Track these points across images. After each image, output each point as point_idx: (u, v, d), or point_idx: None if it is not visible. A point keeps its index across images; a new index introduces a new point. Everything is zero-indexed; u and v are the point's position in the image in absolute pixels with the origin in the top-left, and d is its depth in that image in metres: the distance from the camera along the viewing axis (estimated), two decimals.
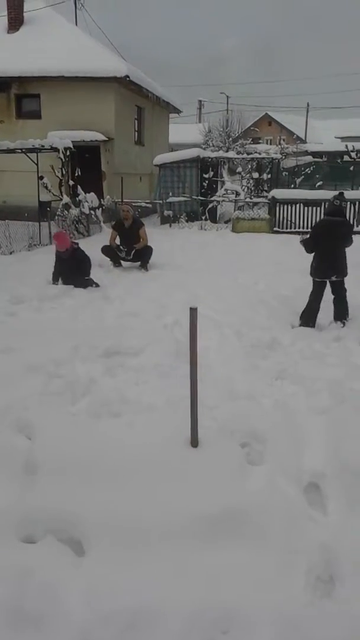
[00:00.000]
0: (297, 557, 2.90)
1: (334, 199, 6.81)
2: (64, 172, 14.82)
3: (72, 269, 8.45)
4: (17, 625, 2.57)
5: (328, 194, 15.67)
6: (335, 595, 2.75)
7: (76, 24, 22.33)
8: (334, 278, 6.54)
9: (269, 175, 18.24)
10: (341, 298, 6.60)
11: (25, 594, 2.67)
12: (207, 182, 17.62)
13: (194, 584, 2.75)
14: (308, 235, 6.94)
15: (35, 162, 13.90)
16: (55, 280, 8.60)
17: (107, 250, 10.18)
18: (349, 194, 16.09)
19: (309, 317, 6.52)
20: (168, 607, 2.63)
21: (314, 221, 15.46)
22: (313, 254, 6.66)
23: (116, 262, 10.18)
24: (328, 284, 6.63)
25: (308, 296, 6.62)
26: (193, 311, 3.42)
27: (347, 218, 7.78)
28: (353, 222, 15.40)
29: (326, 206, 7.89)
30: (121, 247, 10.13)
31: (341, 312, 6.57)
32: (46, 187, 13.95)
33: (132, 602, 2.65)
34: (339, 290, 6.60)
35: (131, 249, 10.08)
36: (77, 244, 8.79)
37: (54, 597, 2.68)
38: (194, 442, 3.57)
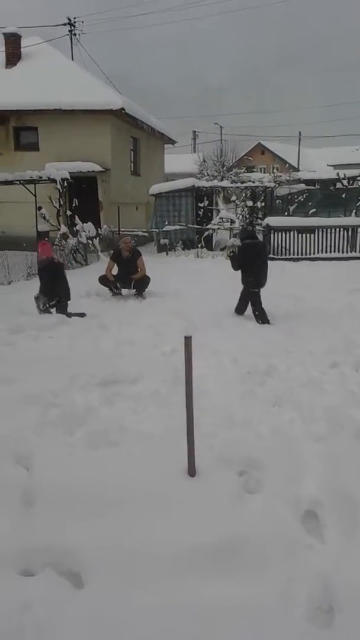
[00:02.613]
0: (296, 586, 2.88)
1: (247, 225, 8.91)
2: (61, 203, 15.03)
3: (56, 280, 8.66)
4: None
5: (322, 221, 16.01)
6: (336, 625, 2.72)
7: (72, 59, 22.89)
8: (262, 287, 8.36)
9: (263, 203, 18.49)
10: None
11: (24, 628, 2.65)
12: (202, 210, 17.86)
13: (192, 616, 2.72)
14: (235, 251, 8.85)
15: (33, 193, 14.10)
16: (44, 295, 8.68)
17: (104, 280, 10.26)
18: (343, 220, 16.35)
19: (263, 314, 8.17)
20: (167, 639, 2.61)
21: (308, 248, 15.66)
22: (245, 272, 8.32)
23: (113, 291, 10.25)
24: None
25: (253, 307, 8.27)
26: (188, 340, 3.45)
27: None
28: (347, 248, 15.65)
29: (241, 231, 10.19)
30: (118, 285, 10.21)
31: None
32: (44, 218, 14.12)
33: (132, 635, 2.63)
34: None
35: (129, 280, 10.16)
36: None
37: (52, 631, 2.66)
38: (192, 472, 3.57)
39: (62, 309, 8.56)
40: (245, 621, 2.69)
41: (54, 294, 8.64)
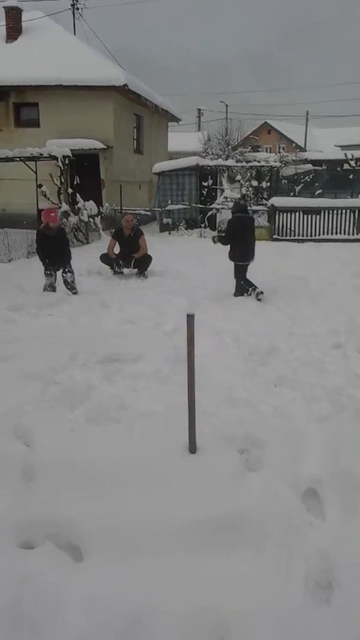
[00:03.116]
0: (296, 562, 2.89)
1: (239, 200, 9.10)
2: (62, 180, 14.88)
3: (58, 249, 8.47)
4: (15, 631, 2.56)
5: (328, 202, 15.87)
6: (334, 600, 2.73)
7: (74, 33, 22.51)
8: (251, 262, 8.51)
9: (268, 184, 18.32)
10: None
11: (24, 599, 2.67)
12: (206, 190, 17.69)
13: (192, 590, 2.74)
14: (222, 234, 9.11)
15: (34, 170, 13.96)
16: (44, 261, 8.60)
17: (106, 259, 10.21)
18: (350, 201, 16.20)
19: (250, 285, 8.32)
20: (166, 613, 2.62)
21: (314, 229, 15.54)
22: (233, 245, 8.43)
23: (115, 270, 10.20)
24: None
25: (237, 278, 8.45)
26: (190, 318, 3.42)
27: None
28: (353, 230, 15.52)
29: (234, 204, 9.87)
30: (120, 262, 10.14)
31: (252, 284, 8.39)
32: (45, 195, 14.00)
33: (130, 608, 2.64)
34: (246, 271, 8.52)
35: (131, 258, 10.10)
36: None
37: (52, 602, 2.68)
38: (192, 449, 3.56)
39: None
40: (245, 596, 2.70)
41: (62, 261, 8.58)
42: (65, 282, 8.58)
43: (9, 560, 2.89)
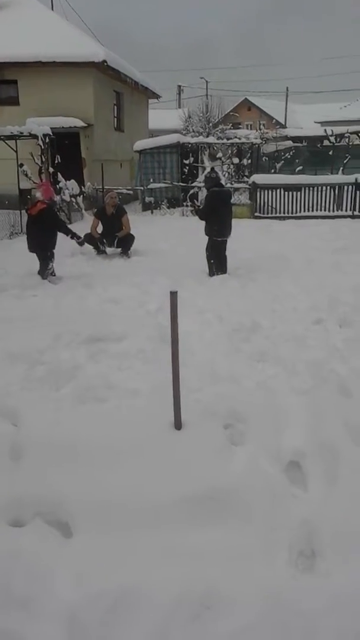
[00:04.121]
0: (280, 533, 2.98)
1: (210, 173, 8.95)
2: (43, 160, 14.68)
3: (43, 229, 8.19)
4: (5, 606, 2.61)
5: (308, 179, 15.87)
6: (317, 568, 2.83)
7: (52, 9, 22.00)
8: (228, 237, 8.36)
9: (250, 161, 18.24)
10: (225, 253, 8.41)
11: (14, 575, 2.72)
12: (187, 168, 17.58)
13: (179, 562, 2.81)
14: (199, 206, 9.18)
15: (15, 149, 13.75)
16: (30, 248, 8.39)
17: (89, 238, 10.14)
18: (330, 178, 16.22)
19: (223, 266, 8.32)
20: (154, 585, 2.69)
21: (294, 206, 15.55)
22: (211, 220, 8.24)
23: (99, 250, 10.16)
24: None
25: (209, 254, 8.37)
26: (173, 295, 3.46)
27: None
28: (334, 206, 15.55)
29: (205, 180, 9.13)
30: (104, 241, 10.09)
31: (225, 265, 8.37)
32: (26, 175, 13.83)
33: (119, 582, 2.70)
34: (225, 247, 8.41)
35: (113, 238, 10.05)
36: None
37: (42, 578, 2.73)
38: (178, 425, 3.62)
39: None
40: (231, 566, 2.78)
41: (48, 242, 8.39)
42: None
43: None
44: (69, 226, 9.62)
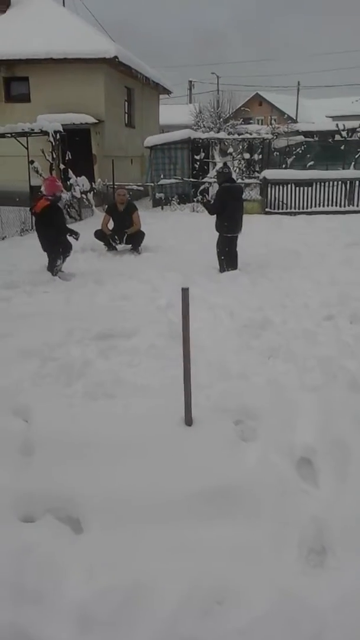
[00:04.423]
0: (290, 529, 2.97)
1: (222, 168, 8.80)
2: (54, 156, 14.72)
3: (48, 227, 8.19)
4: (17, 601, 2.63)
5: (320, 174, 15.78)
6: (327, 565, 2.82)
7: (64, 5, 22.02)
8: (238, 233, 8.31)
9: (260, 156, 18.16)
10: (235, 249, 8.33)
11: (25, 571, 2.73)
12: (198, 163, 17.54)
13: (189, 557, 2.81)
14: (209, 200, 9.02)
15: (26, 146, 13.80)
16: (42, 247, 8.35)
17: (100, 235, 10.17)
18: (341, 173, 16.12)
19: (234, 262, 8.26)
20: (165, 581, 2.69)
21: (306, 202, 15.46)
22: (222, 216, 8.18)
23: (109, 246, 10.18)
24: None
25: (220, 251, 8.29)
26: (185, 291, 3.45)
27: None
28: (345, 201, 15.46)
29: (217, 175, 9.31)
30: (115, 237, 10.10)
31: (236, 261, 8.33)
32: (37, 172, 13.87)
33: (130, 578, 2.71)
34: (236, 243, 8.34)
35: (123, 234, 10.06)
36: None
37: (53, 573, 2.74)
38: (188, 421, 3.62)
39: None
40: (242, 561, 2.78)
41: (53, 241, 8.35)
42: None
43: (10, 533, 2.95)
44: (78, 223, 9.61)
